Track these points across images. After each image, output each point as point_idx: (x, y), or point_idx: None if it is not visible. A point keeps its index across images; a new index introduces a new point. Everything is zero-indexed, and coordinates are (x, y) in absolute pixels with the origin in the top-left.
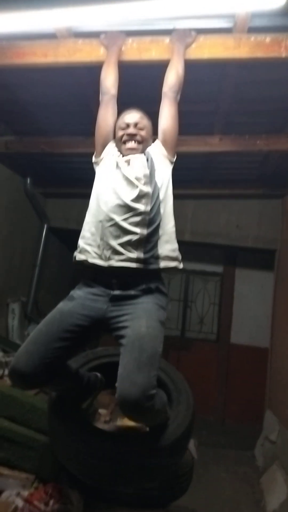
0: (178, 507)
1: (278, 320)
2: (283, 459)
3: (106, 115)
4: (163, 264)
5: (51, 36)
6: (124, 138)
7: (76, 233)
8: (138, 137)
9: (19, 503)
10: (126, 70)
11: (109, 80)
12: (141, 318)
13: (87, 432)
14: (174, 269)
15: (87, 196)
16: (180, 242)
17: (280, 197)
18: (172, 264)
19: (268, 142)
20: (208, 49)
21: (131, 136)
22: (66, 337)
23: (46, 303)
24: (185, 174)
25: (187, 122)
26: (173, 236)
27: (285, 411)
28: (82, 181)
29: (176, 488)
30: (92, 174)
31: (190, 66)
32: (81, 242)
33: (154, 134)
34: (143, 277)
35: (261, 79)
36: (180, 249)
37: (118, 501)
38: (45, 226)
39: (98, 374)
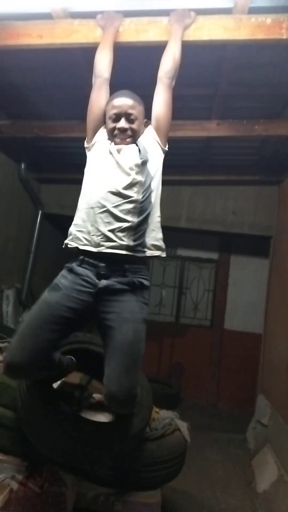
0: (171, 488)
1: (272, 307)
2: (274, 442)
3: (99, 99)
4: (149, 252)
5: (46, 17)
6: (115, 132)
7: (71, 219)
8: (129, 132)
9: (14, 485)
10: (122, 52)
11: (103, 63)
12: (128, 322)
13: (60, 413)
14: (158, 257)
15: (82, 182)
16: (176, 229)
17: (276, 183)
18: (157, 253)
19: (266, 127)
20: (208, 31)
21: (122, 131)
22: (55, 329)
23: (41, 290)
24: (182, 159)
25: (184, 106)
26: (159, 225)
27: (277, 396)
28: (78, 166)
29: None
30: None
31: (189, 48)
32: (72, 229)
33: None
34: (130, 265)
35: (261, 62)
36: (175, 236)
37: (110, 483)
38: (40, 212)
39: (72, 358)
